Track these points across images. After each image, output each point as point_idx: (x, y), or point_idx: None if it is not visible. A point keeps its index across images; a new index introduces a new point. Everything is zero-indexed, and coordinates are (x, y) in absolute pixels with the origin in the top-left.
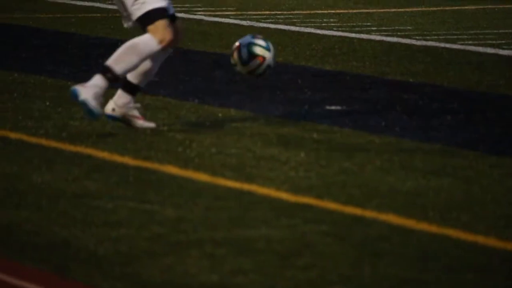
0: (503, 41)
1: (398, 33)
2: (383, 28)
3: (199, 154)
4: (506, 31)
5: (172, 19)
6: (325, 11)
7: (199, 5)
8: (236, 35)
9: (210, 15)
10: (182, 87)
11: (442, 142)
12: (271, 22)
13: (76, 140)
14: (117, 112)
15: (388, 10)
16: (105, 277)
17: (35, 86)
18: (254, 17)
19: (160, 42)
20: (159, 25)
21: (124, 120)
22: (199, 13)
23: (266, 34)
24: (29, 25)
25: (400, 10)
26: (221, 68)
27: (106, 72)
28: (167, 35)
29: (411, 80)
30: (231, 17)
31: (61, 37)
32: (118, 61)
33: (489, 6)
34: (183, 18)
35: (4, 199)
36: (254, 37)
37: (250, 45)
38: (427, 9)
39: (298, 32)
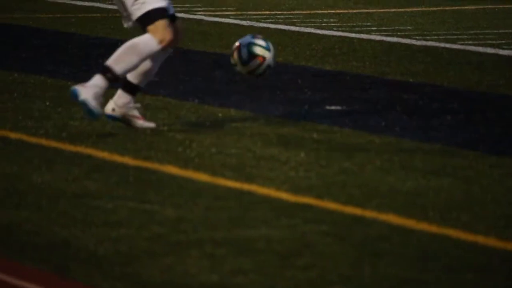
0: (503, 41)
1: (398, 33)
2: (383, 28)
3: (199, 154)
4: (506, 31)
5: (172, 19)
6: (325, 11)
7: (199, 5)
8: (236, 35)
9: (210, 15)
10: (182, 87)
11: (442, 142)
12: (271, 22)
13: (76, 140)
14: (117, 112)
15: (388, 10)
16: (105, 277)
17: (35, 86)
18: (254, 17)
19: (160, 42)
20: (159, 25)
21: (124, 120)
22: (199, 13)
23: (266, 34)
24: (29, 25)
25: (400, 10)
26: (221, 68)
27: (106, 72)
28: (167, 35)
29: (411, 80)
30: (231, 17)
31: (61, 37)
32: (118, 61)
33: (489, 6)
34: (183, 18)
35: (4, 199)
36: (254, 37)
37: (250, 45)
38: (427, 9)
39: (298, 32)
